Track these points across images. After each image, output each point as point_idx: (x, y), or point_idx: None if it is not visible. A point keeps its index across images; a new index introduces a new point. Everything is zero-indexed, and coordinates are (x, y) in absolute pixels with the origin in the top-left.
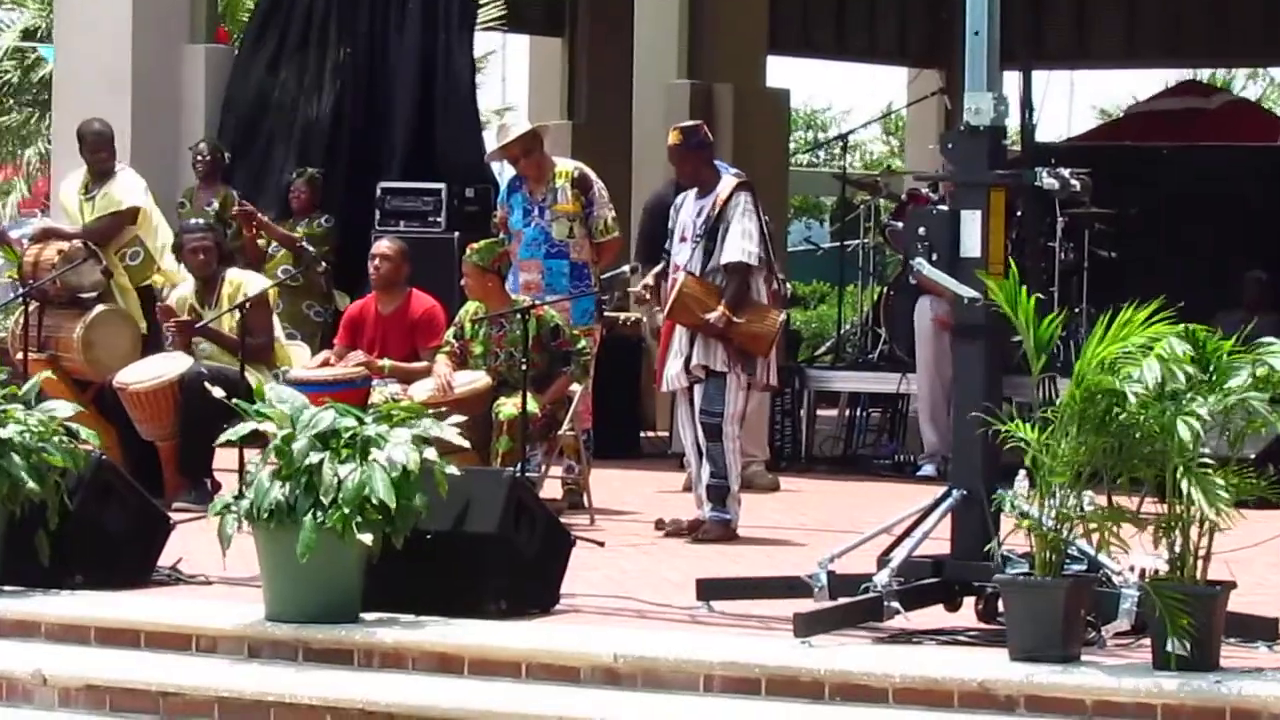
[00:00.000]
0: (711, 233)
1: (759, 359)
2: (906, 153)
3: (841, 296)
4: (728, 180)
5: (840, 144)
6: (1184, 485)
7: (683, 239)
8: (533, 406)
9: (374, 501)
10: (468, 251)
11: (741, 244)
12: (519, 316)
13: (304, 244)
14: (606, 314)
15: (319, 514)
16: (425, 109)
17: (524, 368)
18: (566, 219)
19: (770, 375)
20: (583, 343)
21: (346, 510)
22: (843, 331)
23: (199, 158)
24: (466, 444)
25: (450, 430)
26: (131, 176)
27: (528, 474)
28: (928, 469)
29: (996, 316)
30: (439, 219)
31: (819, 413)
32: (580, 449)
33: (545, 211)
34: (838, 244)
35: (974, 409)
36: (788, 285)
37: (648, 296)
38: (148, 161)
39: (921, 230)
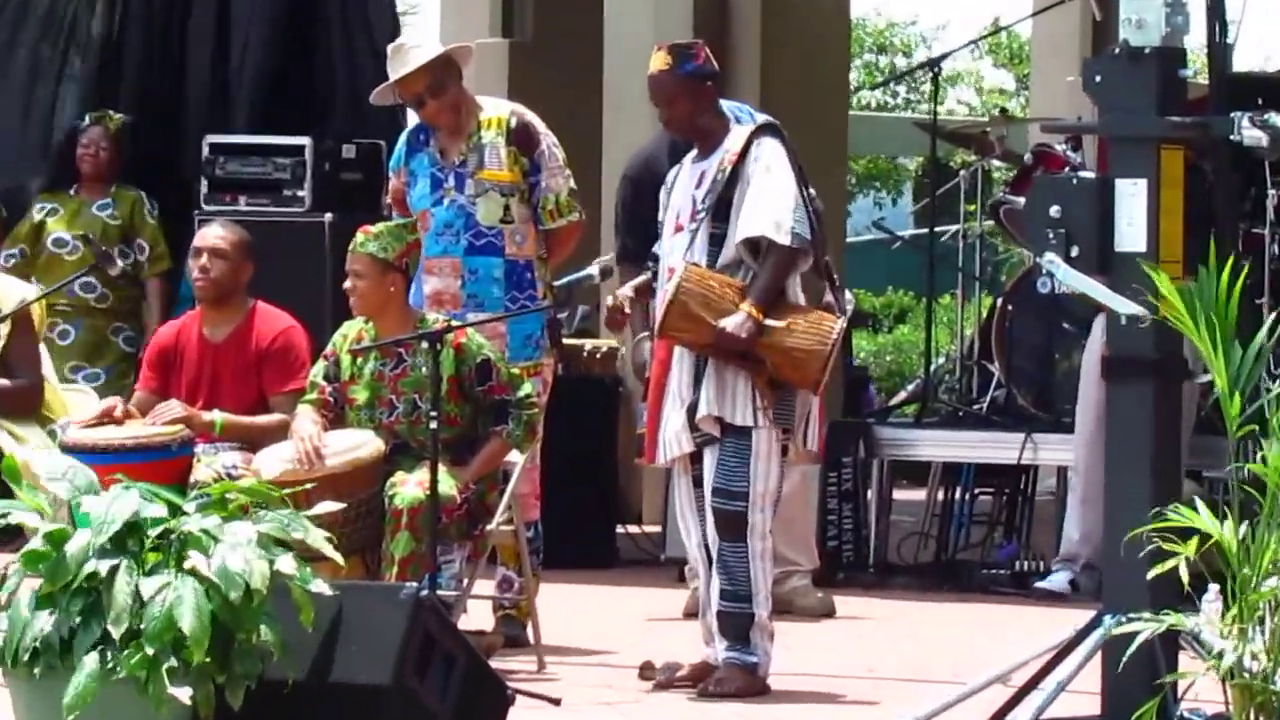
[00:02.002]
0: (721, 205)
1: (800, 399)
2: (1032, 89)
3: (931, 314)
4: (740, 130)
5: (930, 76)
6: None
7: (678, 228)
8: (448, 487)
9: (196, 636)
10: (358, 238)
11: (768, 209)
12: (426, 346)
13: (95, 241)
14: (565, 341)
15: (109, 655)
16: (279, 20)
17: (434, 425)
18: (499, 193)
19: (812, 434)
20: (527, 387)
21: (152, 650)
22: (934, 368)
23: None
24: (337, 556)
25: (318, 527)
26: None
27: (440, 592)
28: (1058, 578)
29: (1172, 343)
30: (301, 192)
31: (896, 495)
32: (523, 553)
33: (466, 181)
34: (924, 231)
35: (1135, 488)
36: (848, 295)
37: (625, 311)
38: None
39: (1055, 210)
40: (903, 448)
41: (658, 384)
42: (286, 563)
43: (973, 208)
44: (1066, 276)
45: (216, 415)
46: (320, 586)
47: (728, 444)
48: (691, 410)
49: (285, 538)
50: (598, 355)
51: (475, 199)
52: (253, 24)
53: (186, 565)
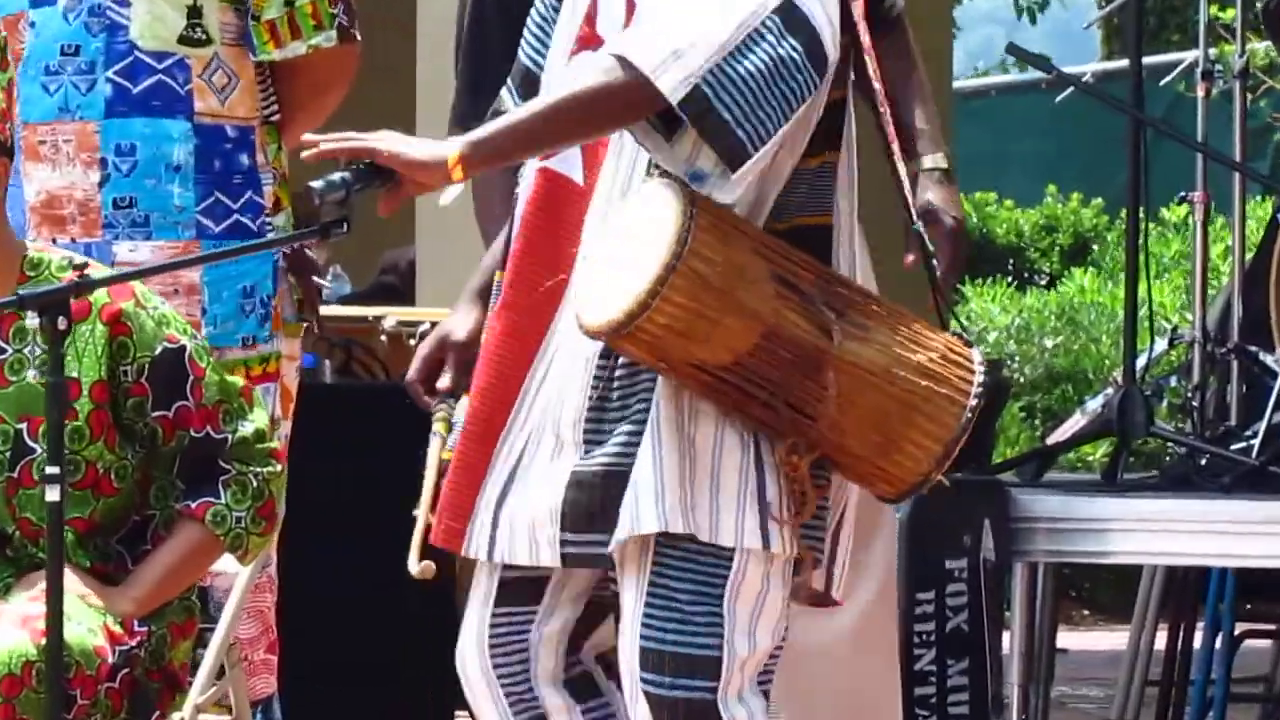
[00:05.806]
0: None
1: (836, 487)
2: None
3: (1143, 245)
4: None
5: None
6: None
7: (583, 43)
8: (87, 628)
9: None
10: None
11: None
12: (39, 320)
13: None
14: (324, 310)
15: None
16: None
17: (53, 498)
18: None
19: (839, 571)
20: (258, 416)
21: None
22: (1147, 362)
23: None
24: None
25: None
26: None
27: None
28: None
29: None
30: None
31: (1066, 639)
32: None
33: None
34: (1121, 64)
35: None
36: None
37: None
38: None
39: None
40: (1079, 538)
41: (489, 386)
42: None
43: (1227, 15)
44: None
45: None
46: None
47: (674, 559)
48: (584, 483)
49: None
50: (407, 339)
51: None
52: None
53: None
